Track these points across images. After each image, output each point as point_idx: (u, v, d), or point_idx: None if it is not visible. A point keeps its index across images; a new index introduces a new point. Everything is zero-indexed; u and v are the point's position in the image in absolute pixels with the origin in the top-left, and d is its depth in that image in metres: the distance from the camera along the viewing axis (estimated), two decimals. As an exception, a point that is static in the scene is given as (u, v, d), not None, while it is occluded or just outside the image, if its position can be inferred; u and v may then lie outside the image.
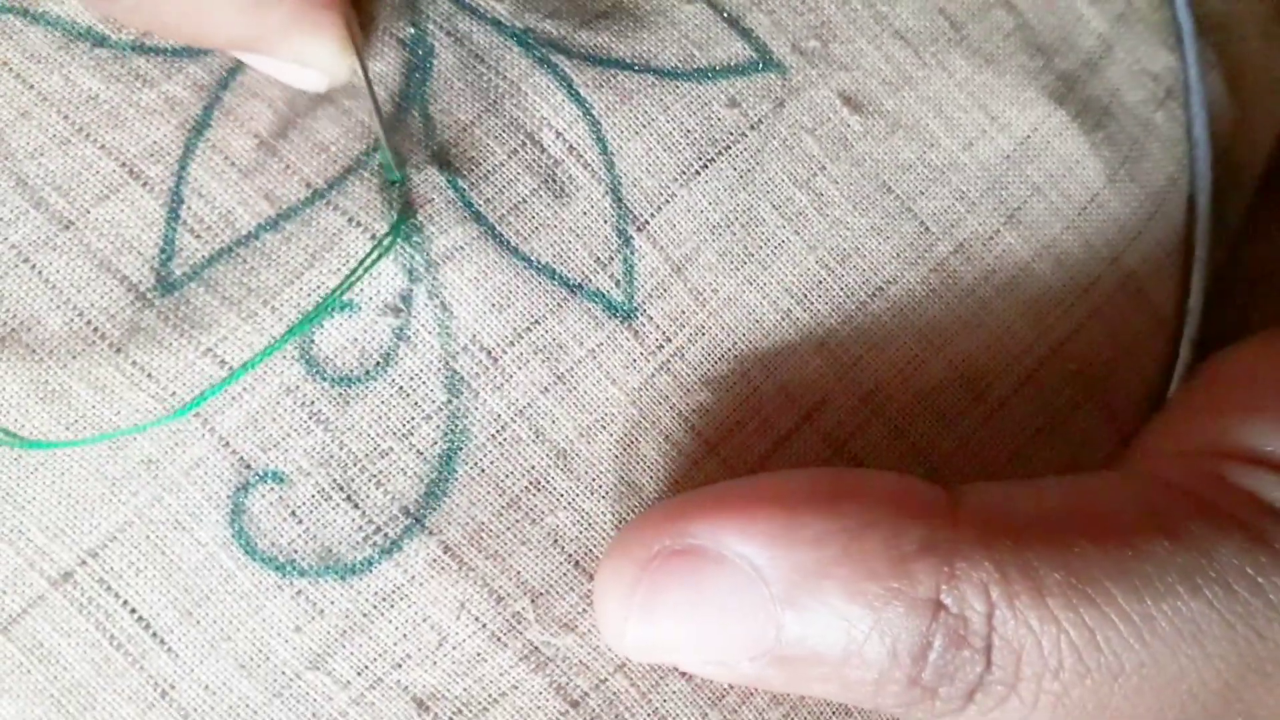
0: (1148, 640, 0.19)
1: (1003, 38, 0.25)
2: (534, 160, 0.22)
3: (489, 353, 0.21)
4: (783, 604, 0.19)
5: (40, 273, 0.20)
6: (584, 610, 0.22)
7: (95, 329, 0.20)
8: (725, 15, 0.23)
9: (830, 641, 0.19)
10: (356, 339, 0.21)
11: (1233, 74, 0.28)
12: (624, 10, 0.23)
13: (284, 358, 0.20)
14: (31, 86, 0.21)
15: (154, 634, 0.20)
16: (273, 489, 0.20)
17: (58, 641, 0.20)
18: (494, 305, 0.21)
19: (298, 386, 0.20)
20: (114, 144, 0.21)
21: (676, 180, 0.22)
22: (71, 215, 0.21)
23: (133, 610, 0.20)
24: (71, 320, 0.20)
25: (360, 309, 0.21)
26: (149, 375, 0.20)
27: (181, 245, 0.21)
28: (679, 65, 0.23)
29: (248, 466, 0.20)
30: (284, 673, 0.20)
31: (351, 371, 0.21)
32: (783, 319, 0.23)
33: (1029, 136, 0.25)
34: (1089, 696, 0.19)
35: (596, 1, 0.23)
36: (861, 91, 0.24)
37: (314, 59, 0.20)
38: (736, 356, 0.22)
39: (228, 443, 0.20)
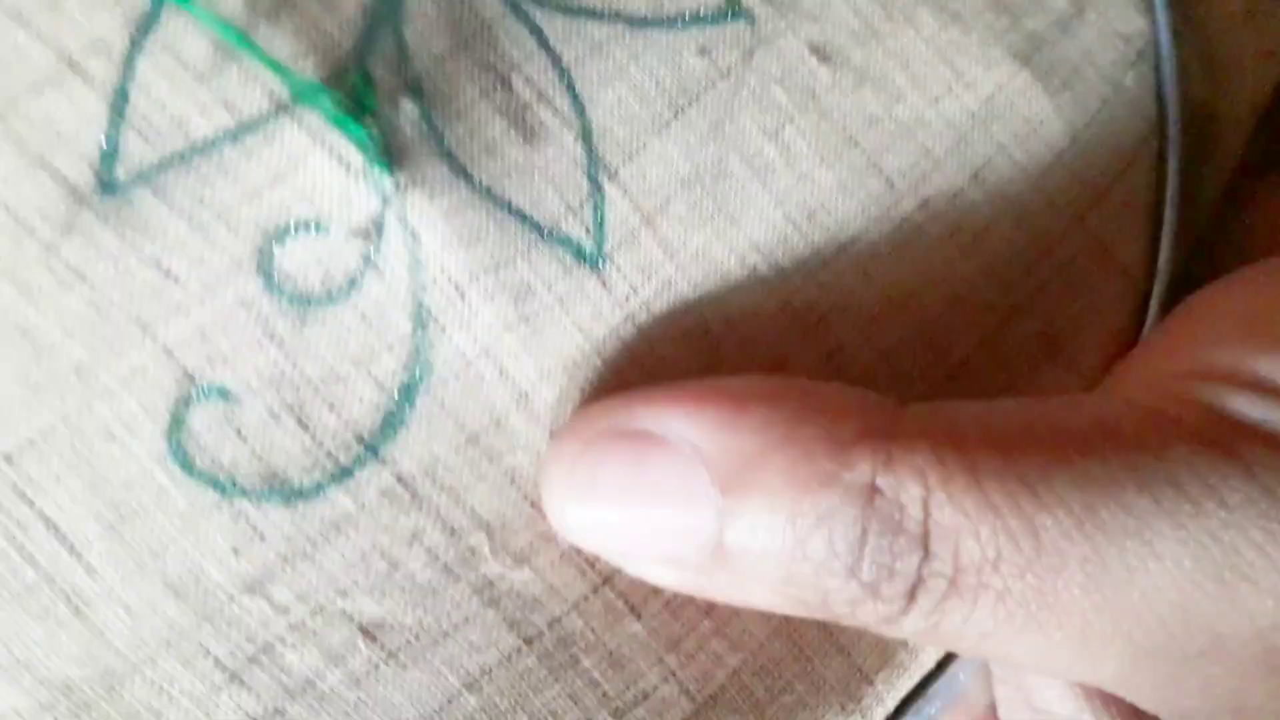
0: (1089, 532, 0.19)
1: None
2: (504, 103, 0.22)
3: (457, 287, 0.21)
4: (723, 490, 0.19)
5: None
6: (539, 548, 0.21)
7: (24, 226, 0.19)
8: None
9: (770, 529, 0.19)
10: (321, 260, 0.20)
11: (1207, 45, 0.28)
12: None
13: (241, 269, 0.20)
14: None
15: (71, 548, 0.19)
16: (217, 405, 0.20)
17: None
18: (464, 241, 0.21)
19: (254, 300, 0.20)
20: (50, 32, 0.19)
21: (648, 129, 0.22)
22: None
23: (48, 521, 0.19)
24: None
25: (328, 230, 0.20)
26: (83, 278, 0.19)
27: (127, 147, 0.20)
28: (649, 13, 0.23)
29: (191, 380, 0.20)
30: (217, 596, 0.20)
31: (313, 292, 0.20)
32: (749, 275, 0.23)
33: (993, 95, 0.25)
34: (1031, 593, 0.19)
35: None
36: (830, 43, 0.24)
37: None
38: (702, 312, 0.23)
39: (171, 353, 0.20)
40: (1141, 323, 0.26)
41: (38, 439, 0.19)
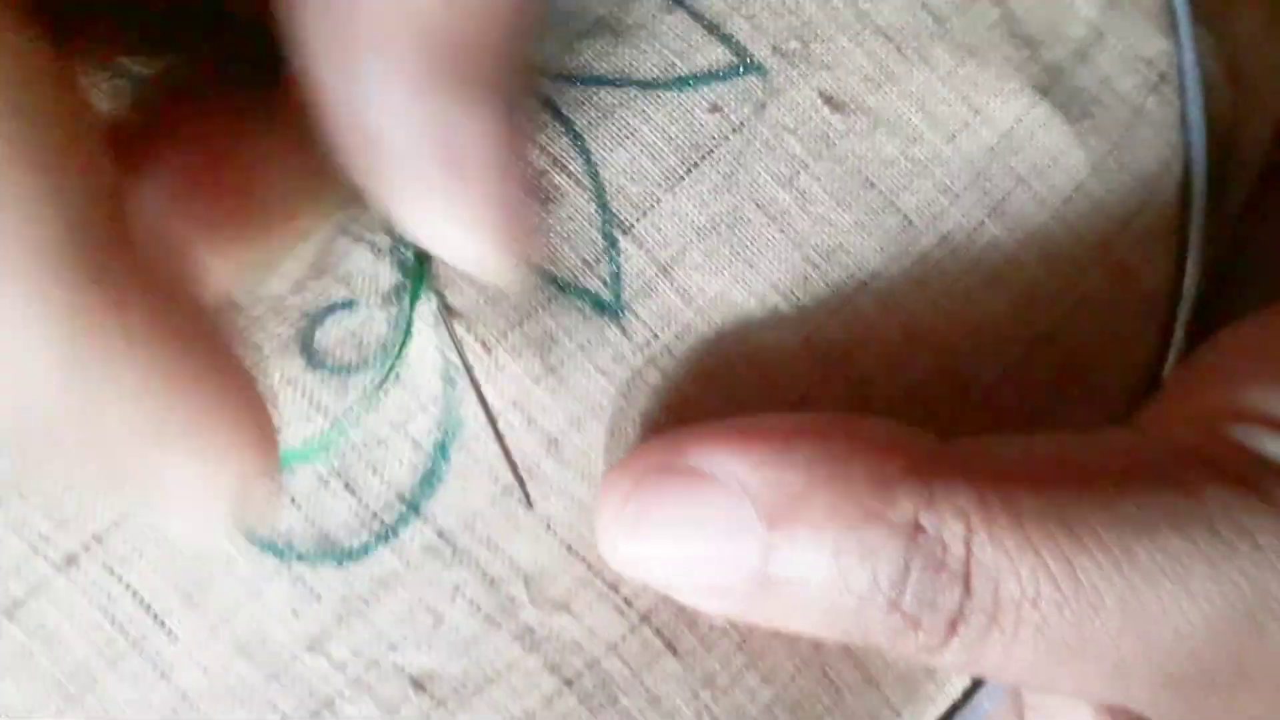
0: (1127, 574, 0.20)
1: (986, 29, 0.26)
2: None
3: (483, 344, 0.22)
4: (769, 524, 0.20)
5: None
6: (577, 592, 0.23)
7: None
8: (705, 22, 0.24)
9: (813, 563, 0.20)
10: (354, 331, 0.22)
11: (1231, 61, 0.28)
12: (605, 27, 0.24)
13: (286, 352, 0.22)
14: None
15: (155, 617, 0.22)
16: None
17: (61, 624, 0.21)
18: (487, 300, 0.22)
19: (298, 378, 0.22)
20: None
21: (661, 186, 0.24)
22: None
23: (135, 594, 0.22)
24: None
25: (358, 305, 0.22)
26: None
27: None
28: (659, 75, 0.24)
29: None
30: (282, 655, 0.22)
31: (350, 362, 0.22)
32: (769, 315, 0.24)
33: (1012, 128, 0.25)
34: (1069, 630, 0.20)
35: (578, 22, 0.24)
36: (843, 90, 0.25)
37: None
38: (724, 352, 0.24)
39: None
40: (1165, 349, 0.26)
41: (120, 520, 0.22)
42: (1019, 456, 0.21)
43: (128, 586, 0.22)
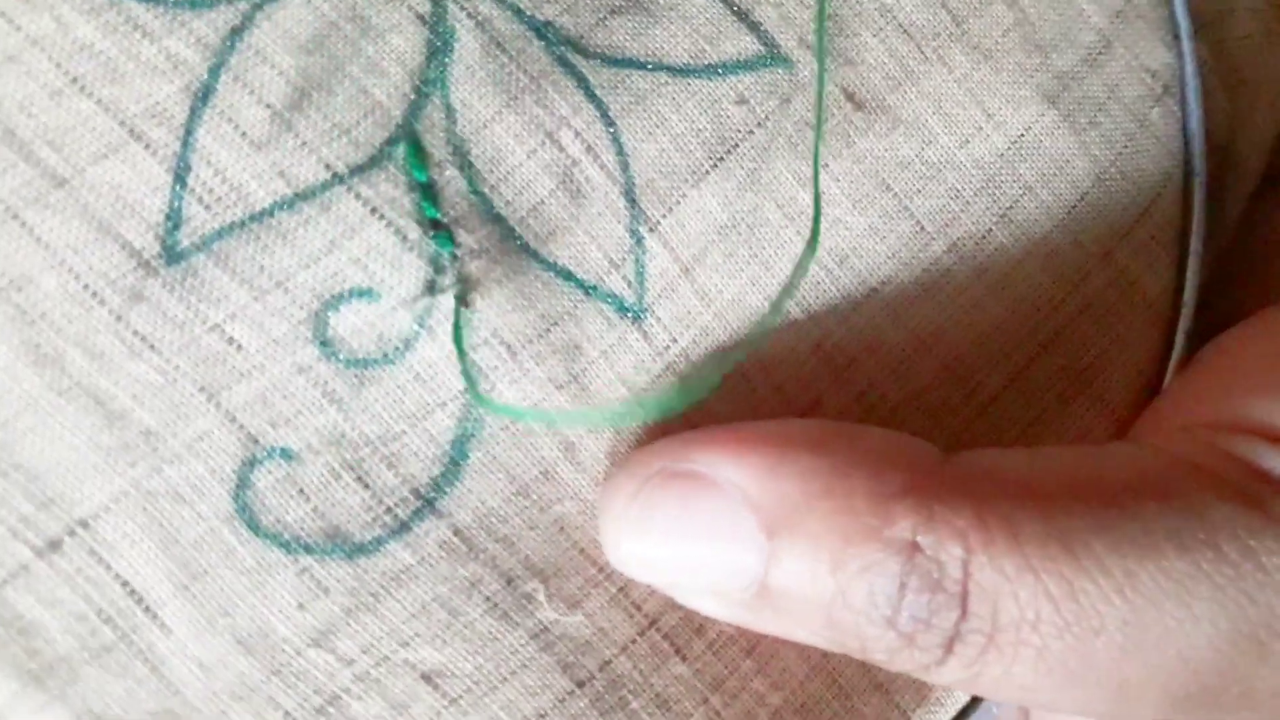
0: (1129, 596, 0.20)
1: (1001, 34, 0.26)
2: (552, 160, 0.23)
3: (509, 347, 0.22)
4: (768, 534, 0.20)
5: (31, 230, 0.20)
6: (589, 592, 0.22)
7: (94, 294, 0.20)
8: (735, 8, 0.24)
9: (811, 575, 0.20)
10: (375, 324, 0.21)
11: (1228, 70, 0.29)
12: (638, 4, 0.24)
13: (297, 339, 0.21)
14: (19, 28, 0.20)
15: (146, 608, 0.21)
16: (280, 465, 0.21)
17: (40, 614, 0.20)
18: (516, 306, 0.22)
19: (311, 367, 0.21)
20: (112, 100, 0.20)
21: (687, 181, 0.23)
22: (65, 173, 0.20)
23: (125, 583, 0.21)
24: (67, 283, 0.20)
25: (380, 298, 0.21)
26: (151, 346, 0.20)
27: (189, 214, 0.21)
28: (690, 61, 0.24)
29: (255, 442, 0.21)
30: (284, 650, 0.21)
31: (369, 355, 0.21)
32: (782, 321, 0.24)
33: (1022, 135, 0.26)
34: (1070, 653, 0.20)
35: None
36: (865, 87, 0.25)
37: None
38: (737, 358, 0.23)
39: (234, 418, 0.21)
40: (1167, 354, 0.27)
41: (111, 504, 0.20)
42: (1021, 473, 0.21)
43: (116, 575, 0.21)
